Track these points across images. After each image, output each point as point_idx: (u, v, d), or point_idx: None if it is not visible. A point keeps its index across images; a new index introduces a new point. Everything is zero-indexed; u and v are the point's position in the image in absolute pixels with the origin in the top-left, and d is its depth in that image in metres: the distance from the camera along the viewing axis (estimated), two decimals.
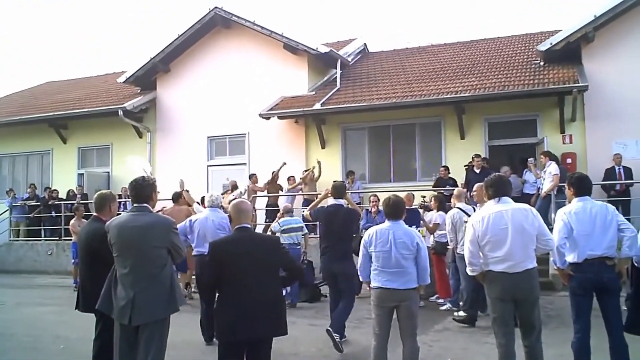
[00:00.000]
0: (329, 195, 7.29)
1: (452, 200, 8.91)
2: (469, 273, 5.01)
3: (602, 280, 4.79)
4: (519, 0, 46.48)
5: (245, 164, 15.85)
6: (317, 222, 7.70)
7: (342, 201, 7.09)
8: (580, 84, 11.88)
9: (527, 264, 4.61)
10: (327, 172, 13.96)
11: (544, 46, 13.34)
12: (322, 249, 6.94)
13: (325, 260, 6.84)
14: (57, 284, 13.35)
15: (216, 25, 16.46)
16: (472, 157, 12.26)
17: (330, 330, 6.52)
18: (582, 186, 5.06)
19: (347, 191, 7.51)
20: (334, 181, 7.83)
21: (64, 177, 17.96)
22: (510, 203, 4.80)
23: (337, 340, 6.43)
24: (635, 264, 5.01)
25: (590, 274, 4.80)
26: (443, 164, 13.30)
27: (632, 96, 12.34)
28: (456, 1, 49.34)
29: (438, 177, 12.95)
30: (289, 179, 14.13)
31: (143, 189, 4.48)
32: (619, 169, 11.75)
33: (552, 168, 11.03)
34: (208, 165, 16.42)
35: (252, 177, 14.05)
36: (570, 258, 4.90)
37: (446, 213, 9.37)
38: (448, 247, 8.79)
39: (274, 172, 14.15)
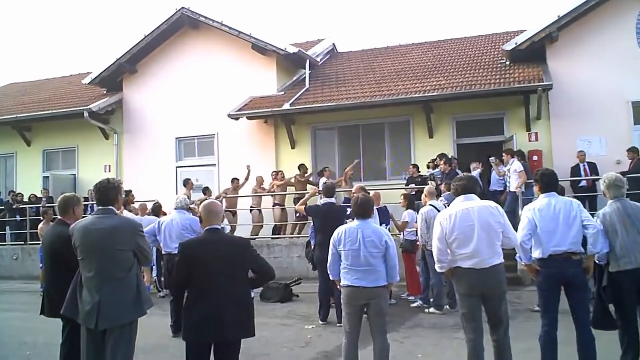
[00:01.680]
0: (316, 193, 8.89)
1: (423, 197, 9.01)
2: (438, 270, 5.06)
3: (566, 275, 4.88)
4: (486, 1, 47.14)
5: (214, 164, 15.74)
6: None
7: (332, 199, 8.29)
8: (544, 83, 12.11)
9: (494, 260, 4.69)
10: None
11: (509, 46, 13.55)
12: (318, 242, 8.06)
13: (322, 251, 7.39)
14: (22, 289, 13.05)
15: (183, 25, 16.31)
16: (437, 157, 12.37)
17: None
18: (547, 182, 5.15)
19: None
20: (325, 182, 9.55)
21: (28, 180, 17.58)
22: (476, 200, 4.86)
23: None
24: (597, 261, 5.13)
25: (554, 269, 4.90)
26: (412, 163, 13.39)
27: (595, 94, 12.62)
28: (423, 1, 49.81)
29: (409, 176, 13.05)
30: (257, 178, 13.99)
31: (108, 192, 4.40)
32: (584, 165, 11.99)
33: (516, 165, 11.23)
34: (177, 167, 16.26)
35: (279, 173, 13.97)
36: (537, 254, 5.00)
37: (414, 211, 9.46)
38: (418, 243, 8.88)
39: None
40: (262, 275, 4.38)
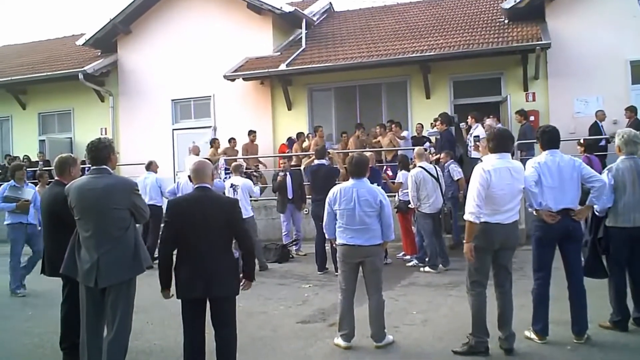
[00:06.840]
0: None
1: (413, 159, 9.07)
2: (471, 219, 4.68)
3: (567, 228, 4.95)
4: None
5: (211, 126, 15.68)
6: None
7: (323, 161, 8.97)
8: (543, 42, 11.98)
9: (515, 216, 4.80)
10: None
11: (508, 4, 13.37)
12: (312, 198, 8.92)
13: (315, 206, 8.48)
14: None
15: None
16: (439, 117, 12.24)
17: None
18: (549, 139, 5.15)
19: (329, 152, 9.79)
20: (317, 145, 10.64)
21: (24, 144, 17.54)
22: (509, 159, 4.88)
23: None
24: (596, 213, 5.20)
25: (555, 224, 4.93)
26: (411, 123, 13.33)
27: (593, 53, 12.50)
28: None
29: (412, 135, 12.98)
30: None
31: (100, 151, 4.36)
32: (601, 124, 11.67)
33: (480, 131, 11.07)
34: (173, 129, 16.20)
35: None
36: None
37: (408, 172, 9.47)
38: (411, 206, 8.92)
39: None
40: (240, 241, 4.33)
